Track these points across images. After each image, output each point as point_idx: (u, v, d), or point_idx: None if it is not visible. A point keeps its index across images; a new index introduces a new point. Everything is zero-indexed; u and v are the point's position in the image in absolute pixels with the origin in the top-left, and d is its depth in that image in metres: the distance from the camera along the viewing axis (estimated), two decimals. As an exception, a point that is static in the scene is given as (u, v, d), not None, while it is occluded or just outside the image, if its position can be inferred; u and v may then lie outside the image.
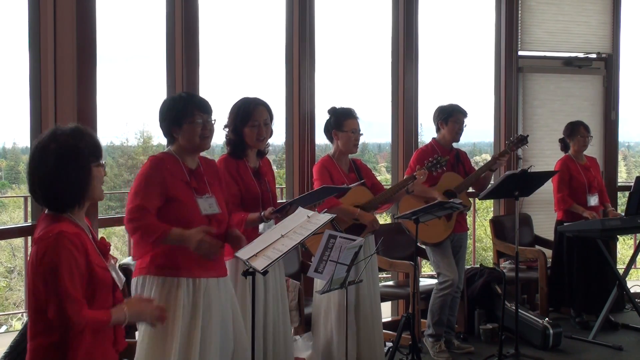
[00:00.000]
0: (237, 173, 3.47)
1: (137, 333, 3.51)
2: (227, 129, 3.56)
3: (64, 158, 2.21)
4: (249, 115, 3.47)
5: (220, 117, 3.22)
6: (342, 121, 4.18)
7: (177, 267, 2.94)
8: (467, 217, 5.08)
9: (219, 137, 3.30)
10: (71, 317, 2.12)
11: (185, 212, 2.95)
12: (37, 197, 2.27)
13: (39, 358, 2.22)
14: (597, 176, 5.67)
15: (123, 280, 2.44)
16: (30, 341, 2.25)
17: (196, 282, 2.98)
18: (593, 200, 5.49)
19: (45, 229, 2.20)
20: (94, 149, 2.29)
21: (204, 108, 3.03)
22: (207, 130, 3.02)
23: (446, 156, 4.53)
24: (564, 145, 5.62)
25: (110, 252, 2.43)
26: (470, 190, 5.09)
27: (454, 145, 4.95)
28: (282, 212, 3.29)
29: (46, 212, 2.29)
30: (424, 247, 4.94)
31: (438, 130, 4.89)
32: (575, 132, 5.54)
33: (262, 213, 3.36)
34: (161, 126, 3.07)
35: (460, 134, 4.85)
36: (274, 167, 4.51)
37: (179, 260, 2.94)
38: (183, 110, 2.98)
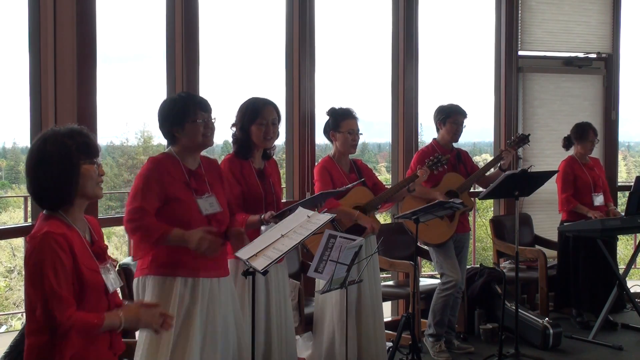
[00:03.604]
0: (240, 174, 3.46)
1: (137, 333, 3.51)
2: (234, 128, 3.55)
3: (46, 155, 2.23)
4: (257, 113, 3.48)
5: (220, 117, 3.22)
6: (339, 122, 4.17)
7: (177, 266, 2.95)
8: (468, 217, 5.08)
9: (218, 137, 3.29)
10: (56, 317, 2.10)
11: (184, 213, 2.95)
12: (32, 196, 2.29)
13: (33, 357, 2.22)
14: (602, 175, 5.66)
15: (119, 285, 2.42)
16: (26, 340, 2.25)
17: (197, 281, 2.98)
18: (598, 200, 5.49)
19: (35, 229, 2.22)
20: (84, 147, 2.27)
21: (204, 107, 3.04)
22: (209, 128, 3.04)
23: (447, 155, 4.53)
24: (568, 143, 5.61)
25: (111, 254, 2.42)
26: (473, 190, 5.08)
27: (455, 145, 4.95)
28: (282, 217, 3.27)
29: (43, 211, 2.30)
30: (426, 247, 4.94)
31: (437, 130, 4.89)
32: (585, 136, 5.50)
33: (262, 216, 3.35)
34: (161, 127, 3.06)
35: (459, 135, 4.84)
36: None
37: (180, 260, 2.94)
38: (184, 110, 2.99)
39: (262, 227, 3.33)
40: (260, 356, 3.42)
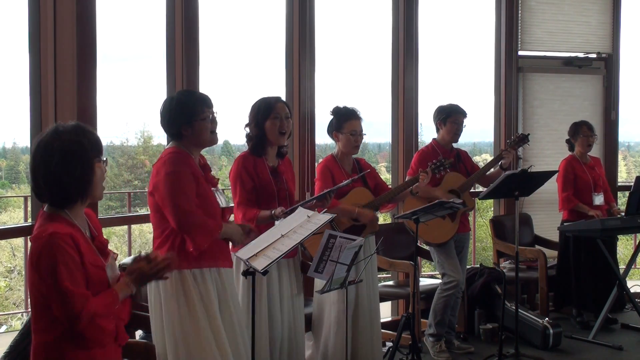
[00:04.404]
0: (254, 170, 3.52)
1: (136, 333, 3.52)
2: (247, 128, 3.62)
3: (68, 155, 2.21)
4: (271, 109, 3.56)
5: (220, 118, 3.23)
6: (342, 123, 4.17)
7: (200, 257, 2.98)
8: (468, 216, 5.08)
9: (218, 136, 3.29)
10: (79, 312, 2.13)
11: (209, 207, 3.01)
12: (41, 194, 2.26)
13: (42, 354, 2.23)
14: (602, 175, 5.67)
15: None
16: (33, 338, 2.26)
17: (220, 271, 3.06)
18: (598, 199, 5.49)
19: (39, 229, 2.21)
20: (96, 146, 2.30)
21: (209, 102, 3.08)
22: (214, 124, 3.08)
23: (450, 158, 4.52)
24: (570, 145, 5.63)
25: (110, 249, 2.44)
26: (473, 190, 5.07)
27: (454, 145, 4.95)
28: (292, 213, 3.30)
29: (44, 209, 2.29)
30: (427, 247, 4.94)
31: (437, 130, 4.89)
32: (578, 132, 5.54)
33: (273, 212, 3.41)
34: (168, 125, 3.06)
35: (459, 135, 4.84)
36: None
37: (204, 251, 2.98)
38: (194, 108, 3.01)
39: (276, 223, 3.38)
40: (276, 353, 3.46)
